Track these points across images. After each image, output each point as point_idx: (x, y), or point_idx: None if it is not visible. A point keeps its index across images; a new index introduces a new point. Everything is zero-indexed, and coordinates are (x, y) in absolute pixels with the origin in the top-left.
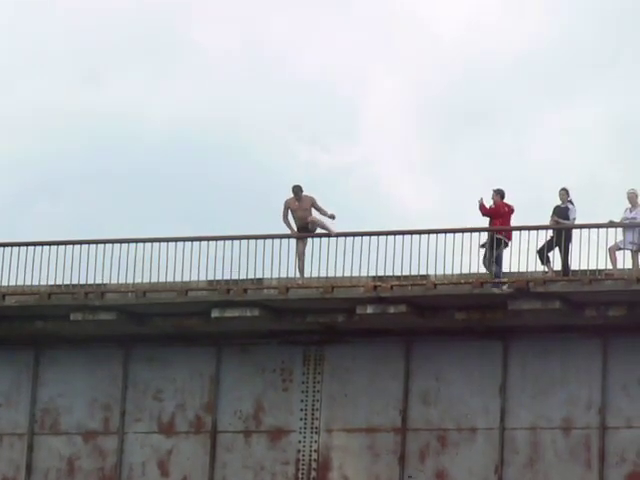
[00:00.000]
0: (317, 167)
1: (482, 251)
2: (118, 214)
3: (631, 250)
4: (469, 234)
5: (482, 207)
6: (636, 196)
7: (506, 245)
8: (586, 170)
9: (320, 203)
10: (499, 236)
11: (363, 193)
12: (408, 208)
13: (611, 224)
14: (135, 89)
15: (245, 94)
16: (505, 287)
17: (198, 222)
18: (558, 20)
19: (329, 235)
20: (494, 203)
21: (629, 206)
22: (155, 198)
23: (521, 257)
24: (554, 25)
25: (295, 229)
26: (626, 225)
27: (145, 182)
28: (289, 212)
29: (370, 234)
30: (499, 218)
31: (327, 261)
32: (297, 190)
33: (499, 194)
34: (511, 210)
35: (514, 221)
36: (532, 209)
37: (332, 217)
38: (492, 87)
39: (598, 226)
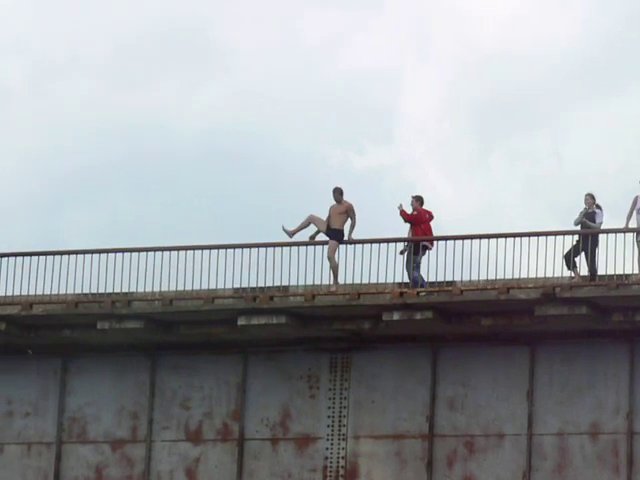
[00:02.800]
0: (350, 170)
1: (403, 257)
2: (146, 222)
3: None
4: (495, 239)
5: (403, 213)
6: None
7: (428, 250)
8: (622, 169)
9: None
10: (425, 243)
11: (397, 196)
12: (444, 211)
13: (633, 229)
14: (168, 97)
15: (277, 97)
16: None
17: (225, 230)
18: (597, 19)
19: (349, 242)
20: (414, 209)
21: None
22: (182, 206)
23: (547, 262)
24: (593, 24)
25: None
26: None
27: (174, 190)
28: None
29: (396, 240)
30: (421, 224)
31: (353, 268)
32: (338, 192)
33: (418, 200)
34: (431, 216)
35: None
36: (570, 209)
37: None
38: (530, 86)
39: (623, 231)
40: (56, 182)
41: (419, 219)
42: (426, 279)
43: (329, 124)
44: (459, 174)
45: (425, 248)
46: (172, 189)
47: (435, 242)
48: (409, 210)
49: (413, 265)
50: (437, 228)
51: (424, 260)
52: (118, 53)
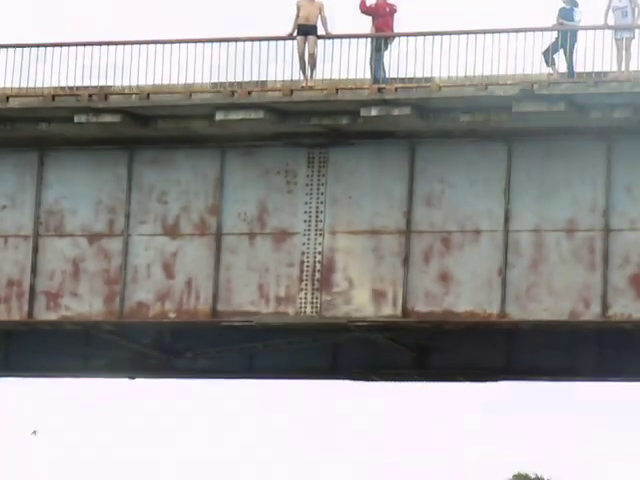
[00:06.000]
0: None
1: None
2: (123, 15)
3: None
4: (474, 35)
5: (362, 4)
6: None
7: (387, 48)
8: None
9: (326, 13)
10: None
11: None
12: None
13: (612, 26)
14: None
15: None
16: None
17: (203, 23)
18: None
19: (327, 37)
20: (377, 2)
21: None
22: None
23: (525, 59)
24: None
25: (295, 28)
26: (626, 27)
27: None
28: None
29: (374, 36)
30: (380, 18)
31: (331, 63)
32: None
33: None
34: (393, 10)
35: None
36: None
37: (328, 36)
38: None
39: (602, 27)
40: None
41: (376, 11)
42: (404, 75)
43: None
44: None
45: (386, 43)
46: None
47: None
48: (373, 2)
49: (374, 61)
50: (425, 20)
51: (402, 55)
52: None
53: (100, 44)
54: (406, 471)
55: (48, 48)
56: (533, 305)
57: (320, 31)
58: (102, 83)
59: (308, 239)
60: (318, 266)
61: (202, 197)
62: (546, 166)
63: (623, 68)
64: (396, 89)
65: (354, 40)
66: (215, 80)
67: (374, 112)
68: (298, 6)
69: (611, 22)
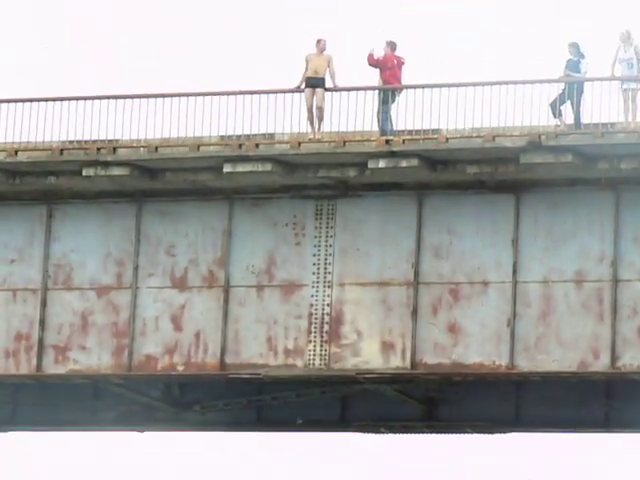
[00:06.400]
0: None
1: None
2: (130, 69)
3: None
4: (481, 87)
5: (370, 57)
6: (629, 34)
7: (394, 100)
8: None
9: (335, 66)
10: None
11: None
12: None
13: (619, 77)
14: None
15: None
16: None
17: (210, 76)
18: None
19: (335, 89)
20: (384, 55)
21: (621, 44)
22: (168, 53)
23: (533, 110)
24: None
25: (304, 81)
26: (632, 79)
27: (158, 37)
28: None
29: (381, 89)
30: (387, 70)
31: (339, 115)
32: (320, 41)
33: (390, 46)
34: (401, 62)
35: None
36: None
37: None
38: None
39: (608, 79)
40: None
41: (383, 64)
42: (412, 126)
43: None
44: None
45: (394, 95)
46: (154, 36)
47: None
48: (380, 55)
49: (381, 113)
50: (432, 72)
51: (409, 107)
52: None
53: (108, 98)
54: None
55: (56, 102)
56: (542, 356)
57: (328, 83)
58: (110, 136)
59: (316, 291)
60: (326, 318)
61: (210, 249)
62: (554, 217)
63: (630, 119)
64: (403, 141)
65: (361, 92)
66: (223, 133)
67: (382, 164)
68: (307, 59)
69: (618, 73)
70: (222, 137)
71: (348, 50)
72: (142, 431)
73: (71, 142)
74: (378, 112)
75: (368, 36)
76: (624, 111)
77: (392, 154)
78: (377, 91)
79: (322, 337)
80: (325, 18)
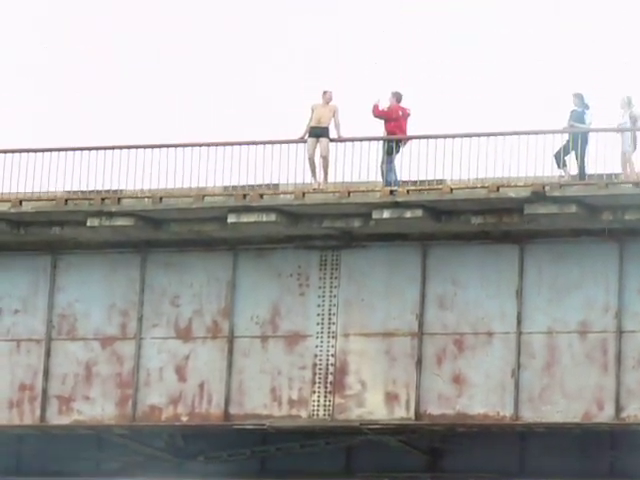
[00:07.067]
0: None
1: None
2: (135, 119)
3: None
4: (485, 137)
5: (375, 108)
6: (629, 100)
7: (399, 151)
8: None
9: (340, 118)
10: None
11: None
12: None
13: (622, 129)
14: None
15: None
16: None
17: (214, 126)
18: None
19: (339, 140)
20: (390, 106)
21: (621, 110)
22: (171, 103)
23: (537, 161)
24: None
25: (308, 131)
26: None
27: (162, 87)
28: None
29: (386, 139)
30: (392, 122)
31: (343, 165)
32: (326, 92)
33: (396, 97)
34: (406, 114)
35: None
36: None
37: (340, 139)
38: None
39: (613, 130)
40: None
41: (388, 115)
42: (416, 177)
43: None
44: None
45: (398, 146)
46: (158, 86)
47: (409, 140)
48: (386, 106)
49: (385, 164)
50: (437, 123)
51: (413, 157)
52: None
53: (112, 148)
54: None
55: (60, 152)
56: (546, 407)
57: (332, 134)
58: (115, 186)
59: (321, 341)
60: (331, 369)
61: (214, 300)
62: (558, 268)
63: (629, 172)
64: (408, 191)
65: (366, 142)
66: (227, 183)
67: (386, 214)
68: (312, 109)
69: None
70: (226, 187)
71: (353, 100)
72: None
73: (75, 192)
74: (382, 163)
75: (373, 87)
76: (622, 168)
77: (396, 205)
78: (382, 142)
79: (326, 388)
80: (330, 69)
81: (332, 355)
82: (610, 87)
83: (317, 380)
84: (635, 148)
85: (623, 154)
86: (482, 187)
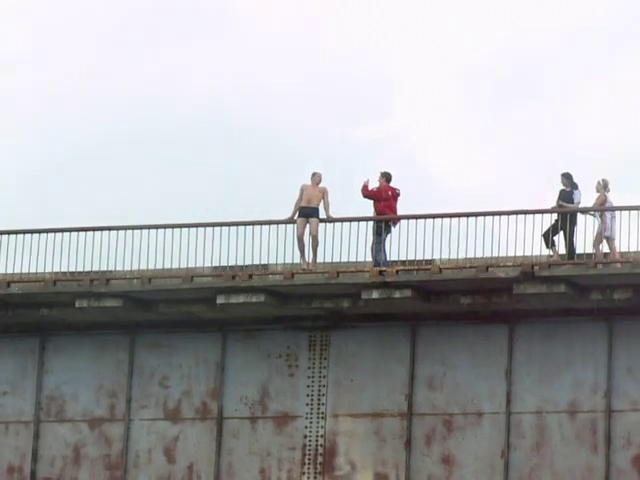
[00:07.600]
0: (350, 141)
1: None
2: (122, 201)
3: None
4: (474, 218)
5: (365, 189)
6: (605, 184)
7: (389, 231)
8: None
9: (330, 198)
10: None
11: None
12: (446, 187)
13: (610, 207)
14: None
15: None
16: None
17: (202, 207)
18: None
19: (328, 220)
20: (379, 186)
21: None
22: (159, 184)
23: (526, 241)
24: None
25: (297, 211)
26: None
27: (151, 167)
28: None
29: (375, 219)
30: (382, 202)
31: (332, 246)
32: (315, 174)
33: (385, 177)
34: (395, 194)
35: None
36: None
37: (330, 219)
38: (534, 58)
39: (601, 210)
40: (44, 161)
41: (377, 195)
42: (405, 257)
43: (327, 93)
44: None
45: (388, 226)
46: (148, 166)
47: (399, 221)
48: (376, 186)
49: (375, 244)
50: (426, 203)
51: (402, 237)
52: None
53: (101, 229)
54: None
55: (49, 234)
56: None
57: (322, 214)
58: (103, 267)
59: (310, 422)
60: (320, 449)
61: (203, 381)
62: (547, 347)
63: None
64: (397, 272)
65: (355, 223)
66: (216, 264)
67: (375, 295)
68: (302, 189)
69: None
70: (215, 268)
71: (342, 181)
72: None
73: (64, 273)
74: (372, 243)
75: (362, 169)
76: (593, 241)
77: (385, 285)
78: (371, 222)
79: (316, 468)
80: (318, 154)
81: (321, 436)
82: (599, 167)
83: (307, 461)
84: (611, 232)
85: (598, 234)
86: (471, 267)
